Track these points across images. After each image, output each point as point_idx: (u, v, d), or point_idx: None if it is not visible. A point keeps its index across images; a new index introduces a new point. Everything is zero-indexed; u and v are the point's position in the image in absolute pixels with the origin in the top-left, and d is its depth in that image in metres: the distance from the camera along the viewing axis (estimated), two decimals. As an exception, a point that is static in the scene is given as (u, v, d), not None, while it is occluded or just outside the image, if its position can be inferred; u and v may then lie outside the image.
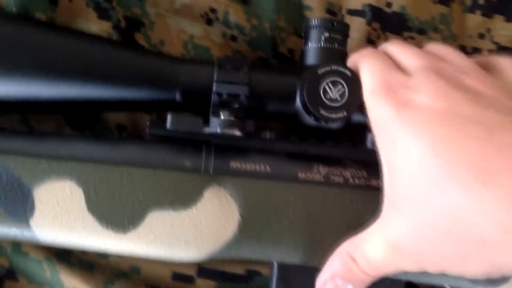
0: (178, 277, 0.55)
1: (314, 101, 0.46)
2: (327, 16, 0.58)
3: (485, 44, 0.60)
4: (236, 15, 0.57)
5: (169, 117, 0.46)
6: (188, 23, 0.57)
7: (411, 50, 0.45)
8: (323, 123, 0.48)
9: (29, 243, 0.52)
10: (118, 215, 0.46)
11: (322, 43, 0.49)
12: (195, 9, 0.56)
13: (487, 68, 0.44)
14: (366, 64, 0.45)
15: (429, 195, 0.38)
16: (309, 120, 0.48)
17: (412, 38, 0.59)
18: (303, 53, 0.51)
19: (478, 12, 0.60)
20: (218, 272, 0.56)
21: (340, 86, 0.46)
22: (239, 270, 0.56)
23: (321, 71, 0.46)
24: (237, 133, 0.46)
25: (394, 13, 0.59)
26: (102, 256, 0.55)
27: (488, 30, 0.60)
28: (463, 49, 0.60)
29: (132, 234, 0.46)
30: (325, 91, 0.46)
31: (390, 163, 0.41)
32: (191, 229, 0.46)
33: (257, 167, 0.48)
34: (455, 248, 0.38)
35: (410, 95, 0.41)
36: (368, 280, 0.44)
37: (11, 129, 0.52)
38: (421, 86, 0.41)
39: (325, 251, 0.46)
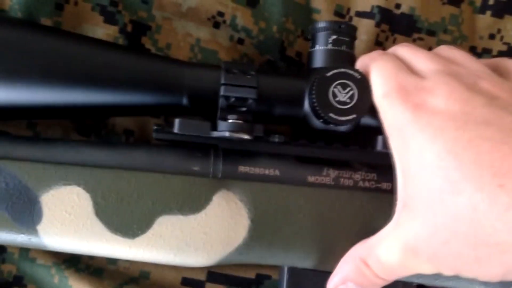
0: (188, 282, 0.55)
1: (323, 104, 0.46)
2: (335, 18, 0.58)
3: (496, 44, 0.60)
4: (244, 18, 0.56)
5: (176, 121, 0.46)
6: (195, 26, 0.56)
7: (423, 53, 0.45)
8: (332, 126, 0.47)
9: (37, 249, 0.52)
10: (127, 220, 0.45)
11: (329, 46, 0.49)
12: (202, 13, 0.56)
13: (497, 71, 0.44)
14: (377, 67, 0.45)
15: (445, 197, 0.38)
16: (317, 123, 0.47)
17: (421, 39, 0.59)
18: (310, 56, 0.50)
19: (488, 12, 0.60)
20: (228, 276, 0.55)
21: (349, 89, 0.46)
22: (249, 274, 0.55)
23: (330, 73, 0.46)
24: (246, 136, 0.46)
25: (403, 14, 0.58)
26: (111, 262, 0.54)
27: (499, 31, 0.60)
28: (474, 50, 0.60)
29: (141, 240, 0.45)
30: (334, 94, 0.46)
31: (404, 166, 0.41)
32: (200, 233, 0.46)
33: (266, 171, 0.47)
34: (471, 250, 0.38)
35: (425, 97, 0.40)
36: (381, 284, 0.44)
37: (17, 135, 0.52)
38: (436, 89, 0.41)
39: (335, 255, 0.46)
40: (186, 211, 0.46)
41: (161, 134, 0.47)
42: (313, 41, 0.50)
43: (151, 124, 0.55)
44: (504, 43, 0.60)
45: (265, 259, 0.47)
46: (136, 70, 0.47)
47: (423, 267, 0.41)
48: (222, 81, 0.46)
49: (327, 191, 0.48)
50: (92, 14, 0.54)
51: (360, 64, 0.48)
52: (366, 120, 0.48)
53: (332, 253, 0.47)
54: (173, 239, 0.46)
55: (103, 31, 0.54)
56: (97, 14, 0.54)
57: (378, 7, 0.58)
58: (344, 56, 0.49)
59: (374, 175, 0.48)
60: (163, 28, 0.56)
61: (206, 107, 0.48)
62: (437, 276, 0.47)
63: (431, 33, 0.59)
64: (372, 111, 0.45)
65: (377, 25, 0.58)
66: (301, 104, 0.48)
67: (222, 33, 0.57)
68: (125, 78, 0.47)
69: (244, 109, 0.47)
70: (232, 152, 0.48)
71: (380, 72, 0.44)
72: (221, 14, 0.56)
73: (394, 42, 0.58)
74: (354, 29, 0.50)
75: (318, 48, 0.50)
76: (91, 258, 0.54)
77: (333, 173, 0.48)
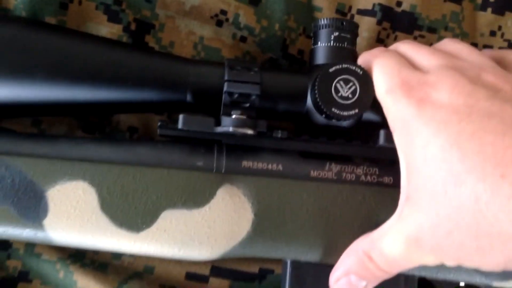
0: (192, 276, 0.55)
1: (326, 99, 0.46)
2: (336, 16, 0.58)
3: (497, 41, 0.60)
4: (246, 16, 0.57)
5: (180, 117, 0.46)
6: (198, 24, 0.57)
7: (425, 48, 0.46)
8: (334, 122, 0.48)
9: (43, 244, 0.52)
10: (132, 214, 0.46)
11: (331, 42, 0.50)
12: (205, 11, 0.57)
13: (502, 63, 0.45)
14: (379, 63, 0.45)
15: (448, 189, 0.38)
16: (320, 118, 0.48)
17: (422, 36, 0.59)
18: (312, 53, 0.51)
19: (489, 9, 0.61)
20: (231, 271, 0.56)
21: (351, 84, 0.46)
22: (252, 268, 0.56)
23: (332, 69, 0.46)
24: (249, 131, 0.46)
25: (404, 12, 0.59)
26: (116, 257, 0.55)
27: (500, 28, 0.60)
28: (475, 47, 0.60)
29: (146, 234, 0.46)
30: (336, 89, 0.46)
31: (408, 160, 0.41)
32: (204, 227, 0.46)
33: (270, 166, 0.48)
34: (474, 240, 0.38)
35: (428, 91, 0.41)
36: (383, 276, 0.44)
37: (23, 132, 0.52)
38: (439, 83, 0.41)
39: (338, 249, 0.46)
40: (190, 205, 0.46)
41: (165, 130, 0.47)
42: (315, 38, 0.51)
43: (155, 121, 0.56)
44: (505, 40, 0.60)
45: (268, 252, 0.47)
46: (141, 67, 0.47)
47: (426, 259, 0.41)
48: (226, 78, 0.47)
49: (330, 185, 0.48)
50: (96, 13, 0.55)
51: (362, 60, 0.48)
52: (368, 116, 0.49)
53: (335, 247, 0.47)
54: (177, 233, 0.46)
55: (107, 29, 0.55)
56: (101, 13, 0.55)
57: (380, 4, 0.58)
58: (346, 53, 0.50)
59: (376, 169, 0.49)
60: (166, 27, 0.56)
61: (210, 104, 0.48)
62: (439, 268, 0.48)
63: (432, 30, 0.59)
64: (374, 106, 0.45)
65: (379, 22, 0.58)
66: (304, 99, 0.48)
67: (225, 31, 0.57)
68: (130, 75, 0.47)
69: (247, 105, 0.47)
70: (235, 147, 0.48)
71: (382, 68, 0.45)
72: (224, 12, 0.57)
73: (395, 40, 0.59)
74: (356, 26, 0.51)
75: (320, 45, 0.50)
76: (96, 253, 0.54)
77: (335, 168, 0.49)
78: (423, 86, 0.41)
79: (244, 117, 0.46)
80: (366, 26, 0.58)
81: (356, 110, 0.46)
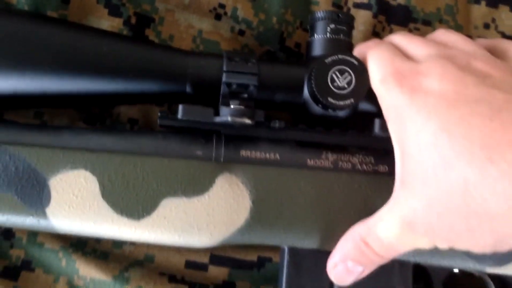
0: (192, 265, 0.56)
1: (322, 89, 0.47)
2: (333, 9, 0.59)
3: (491, 34, 0.61)
4: (244, 10, 0.58)
5: (180, 107, 0.47)
6: (197, 18, 0.58)
7: (418, 39, 0.47)
8: (330, 112, 0.49)
9: (45, 232, 0.53)
10: (132, 202, 0.47)
11: (328, 34, 0.50)
12: (203, 5, 0.58)
13: (494, 53, 0.46)
14: (373, 54, 0.46)
15: (439, 172, 0.39)
16: (317, 108, 0.49)
17: (417, 29, 0.60)
18: (309, 45, 0.52)
19: (483, 2, 0.62)
20: (230, 259, 0.56)
21: (347, 74, 0.47)
22: (250, 257, 0.57)
23: (328, 60, 0.47)
24: (247, 121, 0.47)
25: (400, 5, 0.60)
26: (117, 246, 0.56)
27: (493, 20, 0.61)
28: (468, 38, 0.61)
29: (146, 221, 0.47)
30: (332, 80, 0.47)
31: (402, 146, 0.43)
32: (203, 215, 0.47)
33: (267, 155, 0.49)
34: (464, 222, 0.39)
35: (420, 80, 0.42)
36: (380, 261, 0.45)
37: (27, 123, 0.53)
38: (430, 71, 0.42)
39: (335, 235, 0.47)
40: (189, 193, 0.47)
41: (166, 120, 0.48)
42: (311, 30, 0.52)
43: (155, 113, 0.57)
44: (499, 32, 0.61)
45: (266, 239, 0.48)
46: (142, 59, 0.48)
47: (420, 241, 0.42)
48: (224, 69, 0.48)
49: (326, 174, 0.49)
50: (97, 7, 0.56)
51: (357, 52, 0.49)
52: (364, 106, 0.50)
53: (332, 234, 0.48)
54: (177, 221, 0.47)
55: (108, 23, 0.56)
56: (101, 7, 0.56)
57: None
58: (342, 44, 0.51)
59: (371, 158, 0.50)
60: (166, 20, 0.57)
61: (209, 94, 0.49)
62: (433, 254, 0.48)
63: (427, 23, 0.60)
64: (369, 97, 0.46)
65: (374, 16, 0.59)
66: (300, 90, 0.49)
67: (224, 25, 0.58)
68: (131, 67, 0.48)
69: (245, 95, 0.48)
70: (234, 137, 0.49)
71: (376, 58, 0.46)
72: (222, 6, 0.58)
73: (391, 33, 0.59)
74: (351, 18, 0.52)
75: (316, 37, 0.51)
76: (98, 242, 0.55)
77: (332, 156, 0.49)
78: (415, 75, 0.42)
79: (242, 107, 0.47)
80: (362, 19, 0.59)
81: (352, 100, 0.47)
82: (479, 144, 0.38)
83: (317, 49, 0.51)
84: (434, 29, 0.60)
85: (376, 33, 0.60)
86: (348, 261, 0.46)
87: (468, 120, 0.39)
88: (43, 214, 0.46)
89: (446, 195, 0.39)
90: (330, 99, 0.47)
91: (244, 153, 0.49)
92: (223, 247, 0.54)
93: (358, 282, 0.47)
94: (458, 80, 0.41)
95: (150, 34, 0.57)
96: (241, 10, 0.58)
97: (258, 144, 0.49)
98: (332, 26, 0.50)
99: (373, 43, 0.48)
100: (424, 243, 0.42)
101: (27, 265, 0.54)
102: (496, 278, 0.53)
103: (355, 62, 0.47)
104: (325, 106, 0.47)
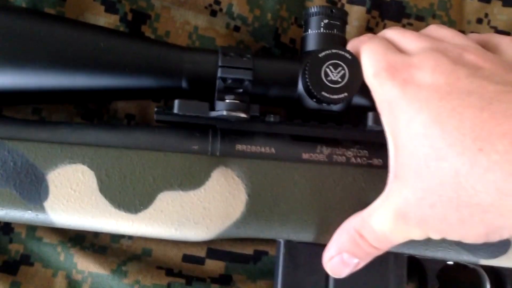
0: (189, 258, 0.57)
1: (316, 83, 0.48)
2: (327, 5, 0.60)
3: (483, 29, 0.62)
4: (239, 6, 0.58)
5: (176, 102, 0.48)
6: (192, 15, 0.58)
7: (411, 33, 0.47)
8: (325, 106, 0.49)
9: (44, 227, 0.54)
10: (130, 196, 0.47)
11: (321, 29, 0.51)
12: (199, 1, 0.58)
13: (487, 47, 0.46)
14: (366, 48, 0.47)
15: (431, 164, 0.40)
16: (311, 103, 0.49)
17: (410, 24, 0.61)
18: (303, 40, 0.52)
19: None
20: (227, 252, 0.57)
21: (340, 68, 0.48)
22: (247, 250, 0.57)
23: (322, 54, 0.48)
24: (242, 115, 0.47)
25: (393, 0, 0.61)
26: (115, 240, 0.56)
27: (486, 15, 0.62)
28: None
29: (143, 214, 0.47)
30: (326, 74, 0.48)
31: (395, 138, 0.43)
32: (200, 208, 0.48)
33: (262, 149, 0.49)
34: (455, 212, 0.40)
35: (412, 72, 0.43)
36: (374, 253, 0.46)
37: (25, 119, 0.54)
38: (422, 64, 0.43)
39: (330, 228, 0.48)
40: (186, 187, 0.48)
41: (162, 115, 0.48)
42: (306, 25, 0.52)
43: (151, 108, 0.58)
44: (491, 27, 0.62)
45: (262, 232, 0.49)
46: (138, 55, 0.49)
47: (413, 233, 0.43)
48: (220, 64, 0.48)
49: (321, 167, 0.50)
50: (93, 4, 0.56)
51: (350, 46, 0.50)
52: (358, 100, 0.50)
53: (327, 227, 0.49)
54: (174, 214, 0.48)
55: (104, 20, 0.56)
56: (98, 3, 0.57)
57: None
58: (336, 39, 0.51)
59: (365, 151, 0.50)
60: (162, 17, 0.58)
61: (204, 89, 0.50)
62: (427, 246, 0.49)
63: (420, 18, 0.61)
64: (363, 91, 0.47)
65: (368, 11, 0.60)
66: (295, 85, 0.50)
67: (219, 21, 0.59)
68: (128, 62, 0.48)
69: (240, 90, 0.49)
70: (229, 131, 0.50)
71: (369, 53, 0.46)
72: (217, 2, 0.58)
73: (385, 28, 0.60)
74: (345, 13, 0.52)
75: (310, 32, 0.51)
76: (96, 236, 0.56)
77: (326, 150, 0.50)
78: (407, 68, 0.43)
79: (237, 101, 0.48)
80: (356, 15, 0.60)
81: (346, 94, 0.47)
82: (470, 136, 0.38)
83: (311, 44, 0.51)
84: (427, 24, 0.60)
85: (370, 29, 0.60)
86: (343, 253, 0.46)
87: (460, 112, 0.39)
88: (42, 208, 0.47)
89: (437, 186, 0.40)
90: (324, 93, 0.47)
91: (239, 147, 0.49)
92: (219, 241, 0.55)
93: (353, 275, 0.47)
94: (450, 72, 0.41)
95: (146, 30, 0.57)
96: (236, 6, 0.58)
97: (253, 138, 0.50)
98: (326, 21, 0.51)
99: (366, 38, 0.49)
100: (417, 234, 0.43)
101: (26, 259, 0.55)
102: (490, 270, 0.54)
103: (349, 56, 0.48)
104: (319, 100, 0.48)
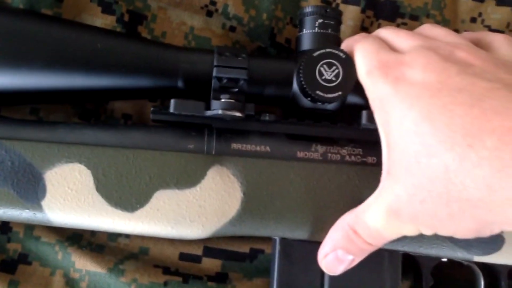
0: (185, 257, 0.57)
1: (311, 82, 0.48)
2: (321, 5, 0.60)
3: (477, 28, 0.62)
4: (235, 6, 0.59)
5: (172, 101, 0.48)
6: (188, 15, 0.59)
7: (404, 32, 0.48)
8: (319, 104, 0.50)
9: (42, 226, 0.54)
10: (126, 195, 0.48)
11: (316, 29, 0.51)
12: (195, 2, 0.59)
13: (480, 45, 0.47)
14: (360, 47, 0.47)
15: (422, 160, 0.40)
16: (306, 102, 0.50)
17: (405, 24, 0.61)
18: (298, 39, 0.53)
19: None
20: (223, 251, 0.57)
21: (334, 67, 0.48)
22: (243, 248, 0.58)
23: (316, 53, 0.48)
24: (237, 114, 0.48)
25: (387, 0, 0.61)
26: (112, 239, 0.57)
27: (480, 14, 0.62)
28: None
29: (140, 213, 0.48)
30: (320, 73, 0.48)
31: (388, 136, 0.44)
32: (195, 207, 0.48)
33: (258, 148, 0.50)
34: (446, 207, 0.40)
35: (404, 70, 0.43)
36: (369, 249, 0.46)
37: (22, 119, 0.54)
38: (413, 62, 0.43)
39: (325, 225, 0.48)
40: (182, 185, 0.48)
41: (158, 114, 0.49)
42: (300, 25, 0.53)
43: (148, 108, 0.58)
44: (485, 26, 0.62)
45: (258, 230, 0.49)
46: (135, 55, 0.49)
47: (405, 229, 0.43)
48: (215, 63, 0.49)
49: (316, 165, 0.50)
50: (90, 5, 0.57)
51: (344, 46, 0.50)
52: (352, 99, 0.51)
53: (322, 224, 0.49)
54: (170, 212, 0.48)
55: (101, 21, 0.57)
56: (95, 5, 0.57)
57: None
58: (331, 38, 0.52)
59: (360, 150, 0.51)
60: (158, 17, 0.58)
61: (200, 89, 0.50)
62: (421, 242, 0.50)
63: (414, 17, 0.61)
64: (357, 90, 0.47)
65: (363, 11, 0.60)
66: (290, 84, 0.50)
67: (215, 21, 0.59)
68: (125, 63, 0.49)
69: (236, 89, 0.49)
70: (225, 130, 0.50)
71: (363, 52, 0.47)
72: (213, 3, 0.58)
73: (379, 27, 0.60)
74: (339, 13, 0.53)
75: (305, 31, 0.52)
76: (93, 235, 0.56)
77: (321, 148, 0.51)
78: (399, 66, 0.43)
79: (232, 101, 0.48)
80: (351, 14, 0.60)
81: (340, 93, 0.48)
82: (460, 132, 0.38)
83: (306, 44, 0.52)
84: (421, 23, 0.60)
85: (365, 28, 0.61)
86: (338, 250, 0.47)
87: (450, 109, 0.39)
88: (39, 207, 0.47)
89: (428, 182, 0.40)
90: (318, 92, 0.48)
91: (235, 145, 0.50)
92: (216, 239, 0.55)
93: (348, 272, 0.48)
94: (441, 70, 0.42)
95: (143, 31, 0.58)
96: (232, 6, 0.58)
97: (248, 137, 0.50)
98: (320, 20, 0.51)
99: (360, 37, 0.49)
100: (410, 230, 0.43)
101: (24, 258, 0.55)
102: (484, 267, 0.54)
103: (343, 56, 0.48)
104: (314, 99, 0.48)
